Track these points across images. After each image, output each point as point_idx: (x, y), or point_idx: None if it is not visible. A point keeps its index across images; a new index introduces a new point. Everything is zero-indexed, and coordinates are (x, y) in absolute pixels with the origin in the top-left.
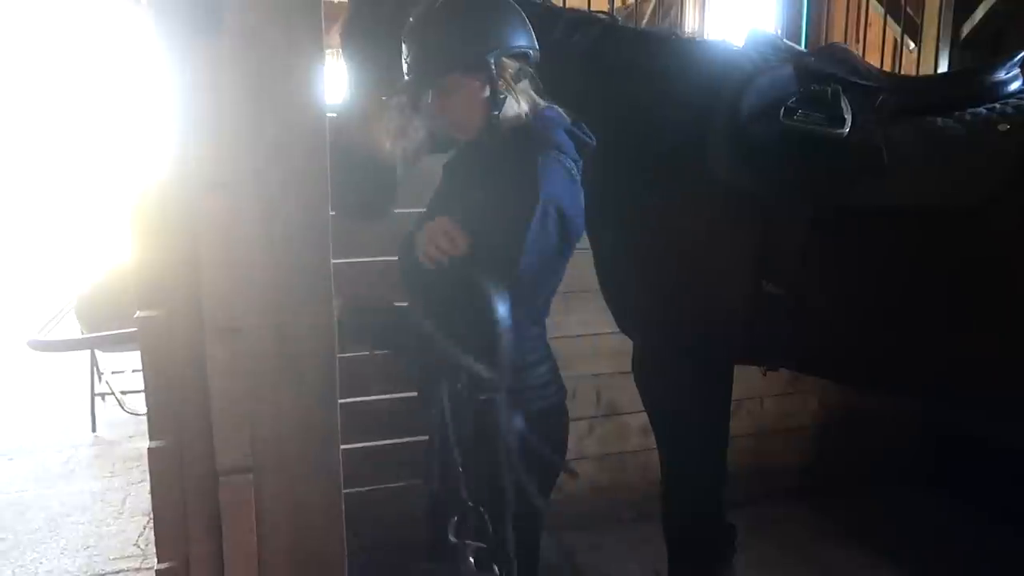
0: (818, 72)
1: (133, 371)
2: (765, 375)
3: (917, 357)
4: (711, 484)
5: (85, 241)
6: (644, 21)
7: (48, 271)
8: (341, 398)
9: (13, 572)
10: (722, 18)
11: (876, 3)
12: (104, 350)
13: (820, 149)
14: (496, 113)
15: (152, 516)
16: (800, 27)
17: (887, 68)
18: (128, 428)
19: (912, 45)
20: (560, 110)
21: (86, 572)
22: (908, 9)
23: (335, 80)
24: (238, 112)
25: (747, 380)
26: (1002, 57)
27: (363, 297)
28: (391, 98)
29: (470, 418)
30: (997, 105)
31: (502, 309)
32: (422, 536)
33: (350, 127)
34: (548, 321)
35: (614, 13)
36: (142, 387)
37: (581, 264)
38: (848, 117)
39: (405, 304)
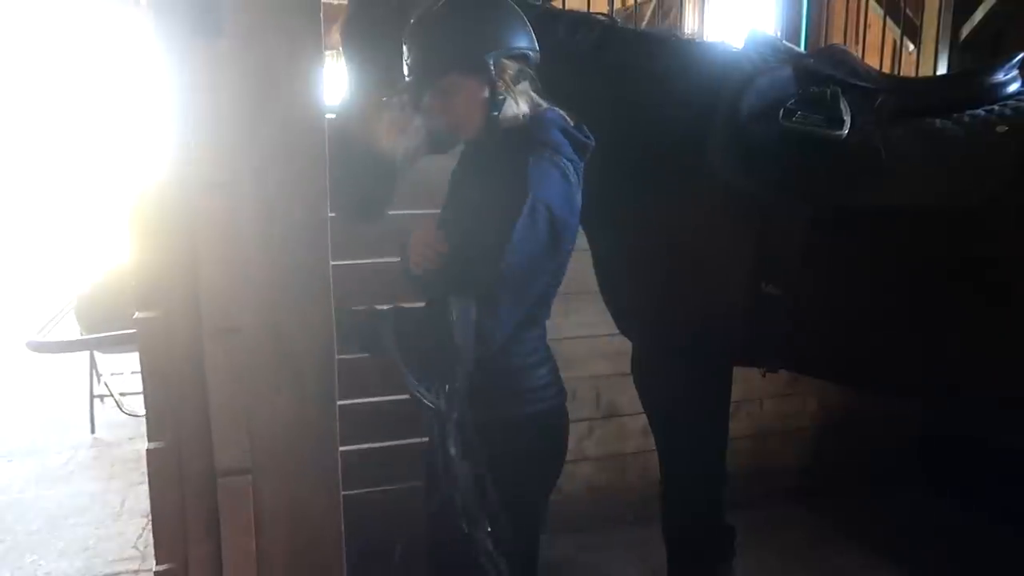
0: (817, 73)
1: (132, 373)
2: (764, 376)
3: (915, 357)
4: (710, 485)
5: (85, 241)
6: (644, 23)
7: (48, 271)
8: (340, 399)
9: (12, 574)
10: (721, 19)
11: (875, 4)
12: (103, 351)
13: (819, 150)
14: (495, 114)
15: (151, 517)
16: (799, 28)
17: (886, 69)
18: (127, 430)
19: (911, 46)
20: (560, 111)
21: (85, 574)
22: (907, 10)
23: (334, 81)
24: (237, 113)
25: (746, 381)
26: (1001, 59)
27: (349, 300)
28: (391, 98)
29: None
30: (996, 107)
31: (464, 334)
32: (421, 537)
33: (349, 128)
34: (548, 323)
35: (613, 15)
36: (141, 389)
37: (581, 265)
38: (847, 118)
39: (385, 308)
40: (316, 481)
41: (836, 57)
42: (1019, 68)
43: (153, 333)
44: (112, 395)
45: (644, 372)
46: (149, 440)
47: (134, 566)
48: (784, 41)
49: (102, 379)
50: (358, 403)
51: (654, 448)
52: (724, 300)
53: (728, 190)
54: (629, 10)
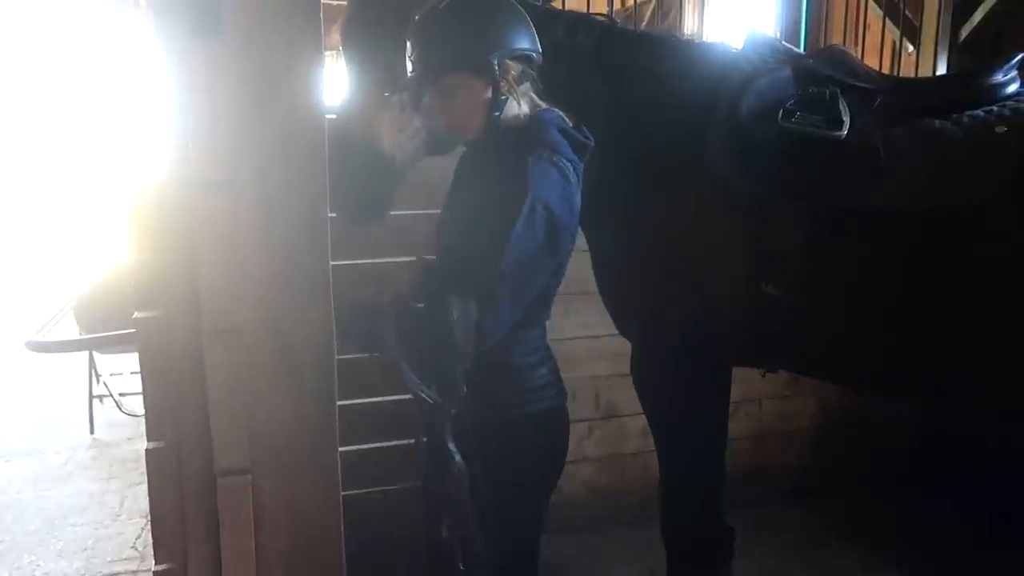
0: (816, 74)
1: (131, 373)
2: (764, 376)
3: (914, 357)
4: (710, 486)
5: (84, 241)
6: (643, 23)
7: (48, 271)
8: (340, 399)
9: (10, 574)
10: (721, 20)
11: (875, 5)
12: (102, 351)
13: (818, 151)
14: (497, 114)
15: (150, 517)
16: (799, 29)
17: (886, 70)
18: (126, 430)
19: (911, 47)
20: (559, 112)
21: (84, 574)
22: (907, 11)
23: (334, 81)
24: (237, 113)
25: (745, 382)
26: (1000, 59)
27: (350, 297)
28: (393, 96)
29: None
30: (995, 107)
31: (465, 334)
32: (420, 537)
33: (349, 128)
34: (548, 323)
35: (613, 15)
36: (140, 389)
37: (581, 265)
38: (846, 119)
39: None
40: (316, 480)
41: (835, 58)
42: (1018, 69)
43: (153, 333)
44: (111, 395)
45: (643, 373)
46: (148, 440)
47: (133, 566)
48: (783, 42)
49: (101, 379)
50: (358, 403)
51: (654, 449)
52: (724, 301)
53: (728, 191)
54: (628, 11)
